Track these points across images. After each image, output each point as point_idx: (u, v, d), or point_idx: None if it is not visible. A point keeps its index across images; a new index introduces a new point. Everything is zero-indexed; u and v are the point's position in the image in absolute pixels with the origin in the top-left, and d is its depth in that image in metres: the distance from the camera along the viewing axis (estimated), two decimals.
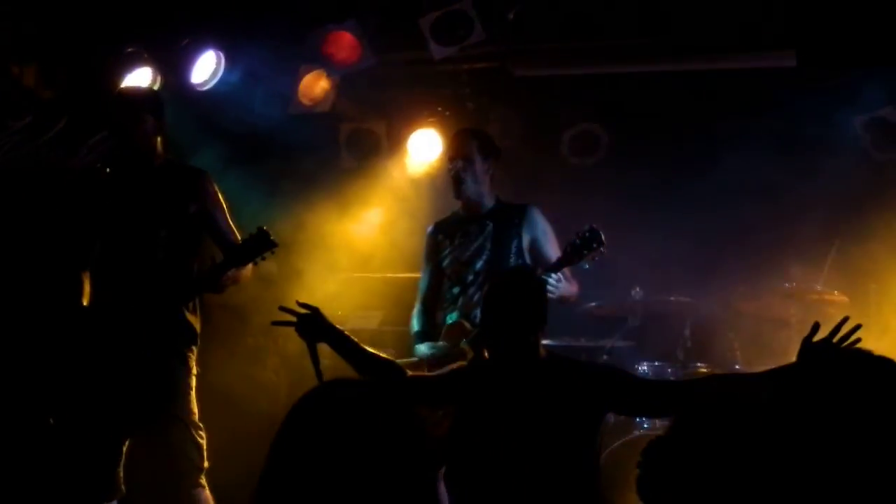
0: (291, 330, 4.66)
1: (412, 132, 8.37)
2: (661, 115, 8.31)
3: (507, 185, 7.34)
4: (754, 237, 7.95)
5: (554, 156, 8.39)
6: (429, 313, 6.45)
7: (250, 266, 5.72)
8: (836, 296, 7.37)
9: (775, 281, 7.55)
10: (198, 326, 5.76)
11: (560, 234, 6.37)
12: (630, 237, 7.47)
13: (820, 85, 7.61)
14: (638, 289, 7.51)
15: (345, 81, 7.89)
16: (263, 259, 5.54)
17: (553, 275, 5.92)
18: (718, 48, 7.57)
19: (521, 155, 8.25)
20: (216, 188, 5.85)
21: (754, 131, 8.65)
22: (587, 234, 5.91)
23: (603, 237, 5.89)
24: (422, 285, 6.55)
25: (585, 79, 8.36)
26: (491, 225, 6.32)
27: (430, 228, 6.62)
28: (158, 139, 5.88)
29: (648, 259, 7.77)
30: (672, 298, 7.55)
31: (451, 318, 6.25)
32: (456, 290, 6.31)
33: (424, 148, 8.37)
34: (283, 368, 7.81)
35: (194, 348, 5.73)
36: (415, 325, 6.42)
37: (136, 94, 6.17)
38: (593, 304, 7.53)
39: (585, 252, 5.91)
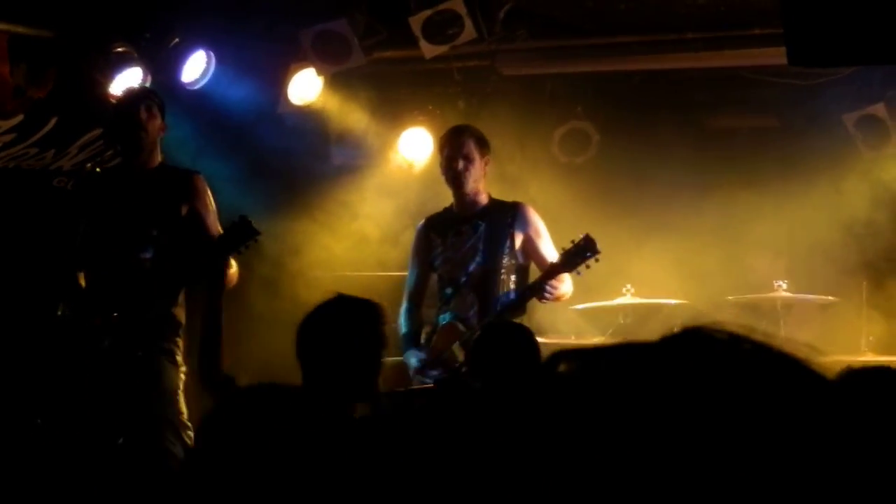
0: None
1: (403, 130, 8.35)
2: (651, 113, 8.30)
3: (497, 183, 7.32)
4: (746, 235, 7.95)
5: (544, 154, 8.37)
6: (416, 311, 6.43)
7: (235, 269, 5.72)
8: (828, 296, 7.39)
9: (767, 279, 7.55)
10: (182, 318, 5.74)
11: (550, 233, 6.37)
12: (621, 235, 7.46)
13: (810, 82, 7.61)
14: (629, 286, 7.51)
15: (334, 80, 7.87)
16: (247, 248, 5.52)
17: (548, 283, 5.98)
18: (709, 46, 7.56)
19: (512, 153, 8.24)
20: (207, 189, 5.85)
21: (745, 129, 8.66)
22: (582, 243, 5.95)
23: (597, 246, 5.93)
24: (409, 282, 6.51)
25: (576, 77, 8.35)
26: (483, 225, 6.28)
27: (420, 224, 6.58)
28: (158, 140, 5.89)
29: (639, 257, 7.76)
30: (663, 297, 7.55)
31: (445, 318, 6.23)
32: (449, 290, 6.28)
33: (415, 146, 8.36)
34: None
35: (179, 342, 5.71)
36: (403, 325, 6.37)
37: (143, 91, 6.22)
38: (583, 304, 7.53)
39: (579, 260, 5.95)
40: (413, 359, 6.17)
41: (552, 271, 6.01)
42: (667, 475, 1.07)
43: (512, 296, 6.17)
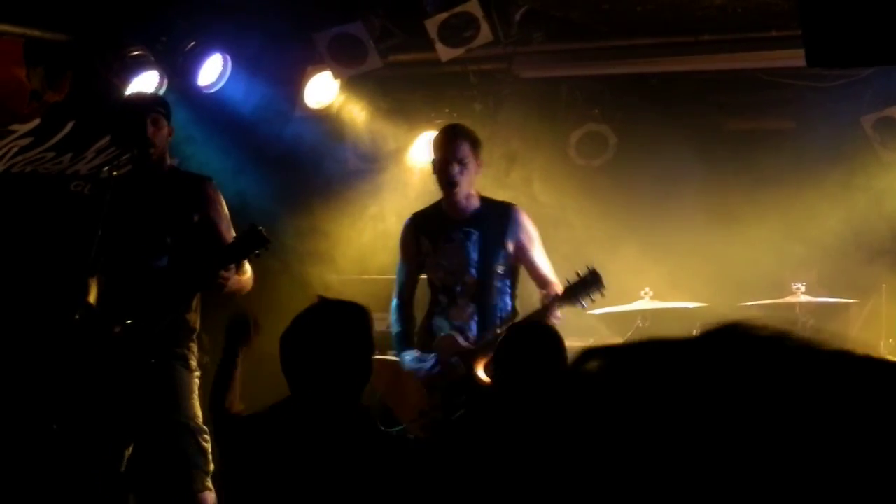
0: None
1: (419, 134, 8.35)
2: (668, 115, 8.27)
3: (512, 186, 7.31)
4: (764, 237, 7.92)
5: (561, 157, 8.35)
6: (407, 309, 6.36)
7: (250, 273, 5.72)
8: (848, 298, 7.35)
9: (786, 281, 7.52)
10: (196, 324, 5.75)
11: (566, 237, 6.35)
12: (638, 238, 7.44)
13: (828, 84, 7.58)
14: (647, 289, 7.48)
15: (350, 83, 7.87)
16: (257, 256, 5.51)
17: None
18: (726, 48, 7.53)
19: (528, 156, 8.23)
20: (219, 195, 5.85)
21: (762, 131, 8.63)
22: (588, 277, 5.87)
23: (603, 280, 5.85)
24: (399, 279, 6.39)
25: (592, 80, 8.33)
26: (476, 234, 6.15)
27: (407, 220, 6.42)
28: (167, 145, 5.90)
29: (657, 260, 7.74)
30: (681, 300, 7.52)
31: (441, 327, 6.14)
32: (445, 300, 6.16)
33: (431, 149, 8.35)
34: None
35: (193, 346, 5.72)
36: (395, 325, 6.30)
37: (150, 98, 6.22)
38: (601, 308, 7.50)
39: (583, 295, 5.88)
40: (411, 361, 6.14)
41: (554, 303, 5.91)
42: (701, 478, 1.01)
43: (509, 307, 6.13)
